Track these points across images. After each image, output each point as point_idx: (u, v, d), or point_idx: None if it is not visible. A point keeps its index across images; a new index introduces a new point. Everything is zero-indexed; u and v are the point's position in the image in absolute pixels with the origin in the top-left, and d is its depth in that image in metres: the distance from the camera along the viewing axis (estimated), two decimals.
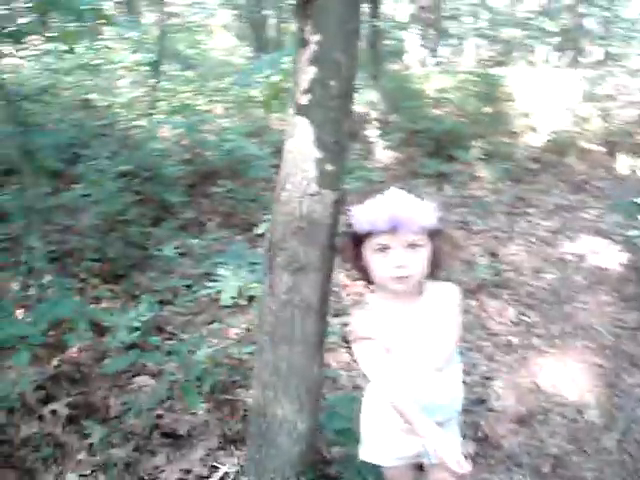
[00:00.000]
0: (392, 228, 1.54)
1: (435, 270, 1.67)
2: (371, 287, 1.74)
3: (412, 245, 1.57)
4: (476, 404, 2.94)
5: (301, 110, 1.75)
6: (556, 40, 12.98)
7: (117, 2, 10.66)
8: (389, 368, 1.66)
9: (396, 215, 1.53)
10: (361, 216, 1.58)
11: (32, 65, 6.43)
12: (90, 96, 6.28)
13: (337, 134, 1.77)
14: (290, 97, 1.81)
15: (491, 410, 2.91)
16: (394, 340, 1.66)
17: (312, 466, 2.22)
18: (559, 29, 12.41)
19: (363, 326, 1.69)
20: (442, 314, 1.66)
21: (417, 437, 1.57)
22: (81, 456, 2.45)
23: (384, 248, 1.58)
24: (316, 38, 1.67)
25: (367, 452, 1.92)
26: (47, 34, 3.70)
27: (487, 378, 3.17)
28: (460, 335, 1.73)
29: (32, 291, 3.29)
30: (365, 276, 1.69)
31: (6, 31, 3.26)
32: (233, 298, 3.38)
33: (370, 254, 1.61)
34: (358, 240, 1.62)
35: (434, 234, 1.61)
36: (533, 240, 5.19)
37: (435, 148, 7.35)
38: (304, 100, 1.73)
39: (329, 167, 1.78)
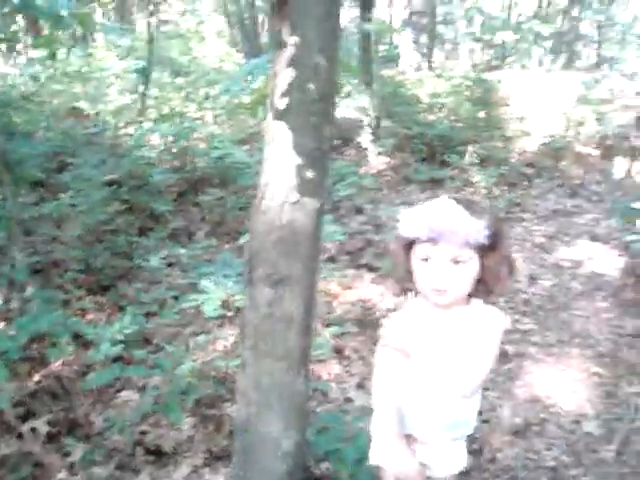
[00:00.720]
0: (432, 239, 1.47)
1: (484, 291, 1.58)
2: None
3: (455, 260, 1.49)
4: None
5: (279, 115, 1.67)
6: (550, 43, 12.95)
7: (109, 10, 10.62)
8: (394, 384, 1.64)
9: (436, 226, 1.46)
10: (405, 222, 1.52)
11: (19, 73, 6.36)
12: (78, 104, 6.21)
13: (318, 139, 1.70)
14: (269, 102, 1.74)
15: (486, 421, 2.82)
16: (420, 351, 1.59)
17: None
18: (553, 32, 12.38)
19: (393, 333, 1.63)
20: (479, 339, 1.56)
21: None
22: (62, 475, 2.37)
23: (426, 258, 1.52)
24: (293, 40, 1.59)
25: (377, 455, 1.83)
26: (30, 42, 3.64)
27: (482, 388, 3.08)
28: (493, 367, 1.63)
29: (14, 304, 3.21)
30: (411, 284, 1.62)
31: None
32: (216, 310, 3.30)
33: (414, 261, 1.55)
34: (407, 245, 1.56)
35: (485, 252, 1.50)
36: (528, 246, 5.11)
37: (429, 153, 7.30)
38: (282, 104, 1.66)
39: (310, 174, 1.71)
